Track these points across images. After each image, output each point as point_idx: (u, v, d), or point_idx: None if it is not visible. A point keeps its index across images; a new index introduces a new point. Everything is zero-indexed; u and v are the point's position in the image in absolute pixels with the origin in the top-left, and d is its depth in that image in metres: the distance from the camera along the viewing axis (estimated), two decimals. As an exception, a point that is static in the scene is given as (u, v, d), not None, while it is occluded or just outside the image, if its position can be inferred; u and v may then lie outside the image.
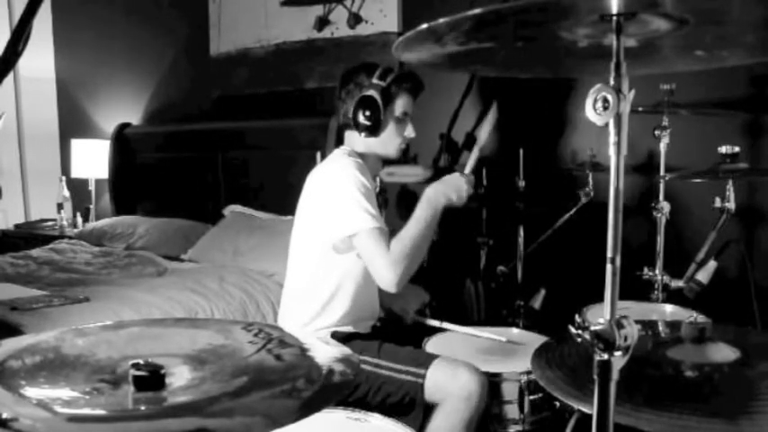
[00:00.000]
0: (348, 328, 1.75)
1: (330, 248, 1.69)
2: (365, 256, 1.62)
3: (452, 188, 1.66)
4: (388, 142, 1.78)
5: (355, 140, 1.80)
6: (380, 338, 1.74)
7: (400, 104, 1.77)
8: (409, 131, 1.80)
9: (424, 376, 1.54)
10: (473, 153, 1.78)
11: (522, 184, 2.36)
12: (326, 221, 1.67)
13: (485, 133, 1.78)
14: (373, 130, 1.74)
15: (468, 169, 1.74)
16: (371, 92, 1.72)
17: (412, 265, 1.58)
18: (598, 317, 0.73)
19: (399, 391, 1.56)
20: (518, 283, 2.37)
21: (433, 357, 1.59)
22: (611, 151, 0.71)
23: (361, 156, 1.77)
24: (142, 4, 4.05)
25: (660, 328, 1.24)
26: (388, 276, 1.56)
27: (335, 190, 1.66)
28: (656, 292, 2.01)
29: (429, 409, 1.55)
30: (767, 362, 1.06)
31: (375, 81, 1.73)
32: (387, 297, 1.88)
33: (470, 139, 2.00)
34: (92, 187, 4.18)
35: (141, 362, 0.78)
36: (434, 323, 1.93)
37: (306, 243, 1.77)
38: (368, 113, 1.72)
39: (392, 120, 1.76)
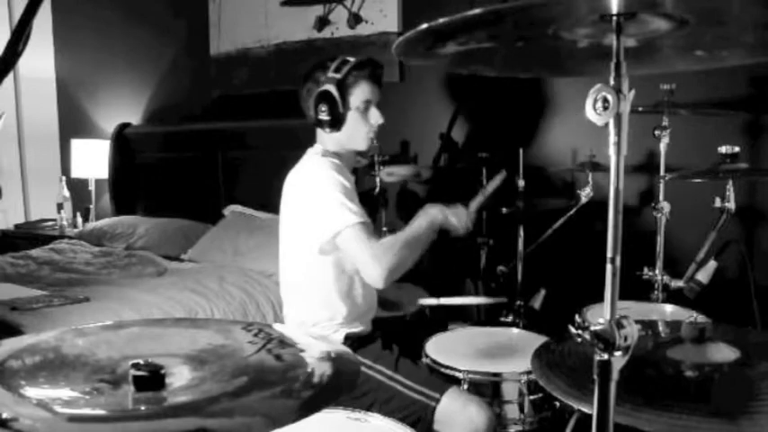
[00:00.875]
0: (355, 326, 1.75)
1: (316, 252, 1.67)
2: (350, 252, 1.60)
3: (453, 213, 1.69)
4: (354, 134, 1.75)
5: (324, 138, 1.78)
6: (387, 340, 1.74)
7: (359, 93, 1.73)
8: (375, 118, 1.75)
9: (437, 400, 1.53)
10: (478, 198, 1.81)
11: (522, 183, 2.36)
12: (310, 226, 1.66)
13: (491, 188, 1.81)
14: (334, 124, 1.72)
15: (472, 207, 1.76)
16: (327, 86, 1.71)
17: (400, 264, 1.57)
18: (598, 317, 0.73)
19: (408, 408, 1.54)
20: (518, 283, 2.37)
21: (448, 385, 1.58)
22: (611, 151, 0.71)
23: (336, 153, 1.75)
24: (142, 4, 4.05)
25: (660, 328, 1.24)
26: (373, 269, 1.55)
27: (314, 193, 1.65)
28: (656, 292, 2.01)
29: None
30: (767, 362, 1.06)
31: (330, 75, 1.71)
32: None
33: (470, 140, 2.00)
34: (92, 187, 4.18)
35: (141, 362, 0.78)
36: (431, 301, 1.93)
37: (294, 246, 1.75)
38: (325, 108, 1.70)
39: (354, 110, 1.73)
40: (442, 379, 1.66)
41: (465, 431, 1.50)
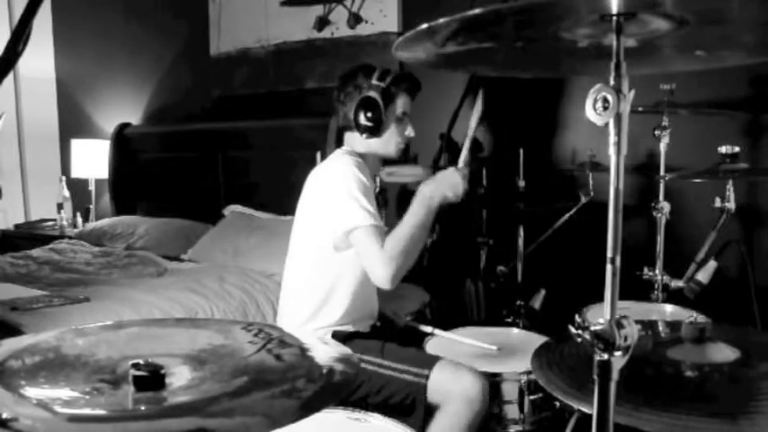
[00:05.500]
0: (348, 327, 1.76)
1: (329, 246, 1.70)
2: (361, 253, 1.63)
3: (447, 184, 1.67)
4: (388, 142, 1.80)
5: (356, 141, 1.81)
6: (381, 338, 1.74)
7: (400, 104, 1.79)
8: (409, 131, 1.82)
9: (427, 377, 1.54)
10: (465, 145, 1.78)
11: (522, 184, 2.36)
12: (325, 219, 1.68)
13: (474, 122, 1.78)
14: (375, 130, 1.76)
15: (461, 162, 1.74)
16: (372, 93, 1.74)
17: (406, 262, 1.59)
18: (598, 317, 0.73)
19: (402, 391, 1.56)
20: (518, 283, 2.37)
21: (436, 359, 1.60)
22: (611, 151, 0.71)
23: (362, 156, 1.78)
24: (142, 4, 4.05)
25: (660, 328, 1.24)
26: (382, 273, 1.57)
27: (334, 188, 1.67)
28: (656, 292, 2.01)
29: (429, 411, 1.55)
30: (767, 362, 1.06)
31: (374, 82, 1.75)
32: (380, 299, 1.89)
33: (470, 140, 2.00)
34: (92, 187, 4.18)
35: (141, 362, 0.78)
36: (426, 329, 1.92)
37: (305, 241, 1.78)
38: (369, 114, 1.74)
39: (393, 120, 1.78)
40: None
41: (461, 401, 1.50)
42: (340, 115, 1.81)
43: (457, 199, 1.68)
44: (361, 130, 1.76)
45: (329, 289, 1.73)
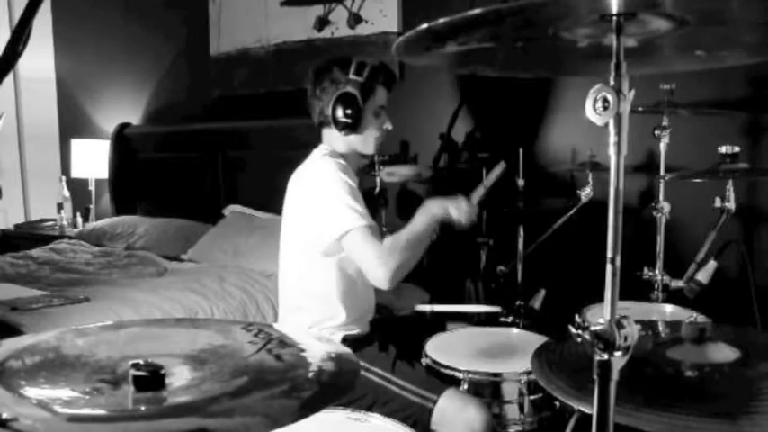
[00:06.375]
0: (352, 328, 1.74)
1: (321, 253, 1.67)
2: (356, 255, 1.60)
3: (454, 205, 1.66)
4: (367, 138, 1.76)
5: (334, 139, 1.77)
6: (384, 341, 1.73)
7: (377, 98, 1.74)
8: (387, 124, 1.77)
9: (434, 402, 1.52)
10: (479, 189, 1.76)
11: (521, 184, 2.35)
12: (315, 226, 1.65)
13: (490, 180, 1.77)
14: (354, 127, 1.71)
15: (474, 200, 1.72)
16: (349, 88, 1.69)
17: (404, 263, 1.57)
18: (598, 317, 0.73)
19: (406, 410, 1.54)
20: (518, 283, 2.37)
21: (445, 386, 1.58)
22: (611, 151, 0.71)
23: (342, 155, 1.75)
24: (142, 3, 4.06)
25: (660, 328, 1.24)
26: (379, 272, 1.55)
27: (320, 193, 1.64)
28: (656, 292, 2.01)
29: None
30: (767, 362, 1.06)
31: (352, 77, 1.70)
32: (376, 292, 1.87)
33: (470, 140, 2.00)
34: (92, 187, 4.18)
35: (141, 362, 0.78)
36: (425, 308, 1.91)
37: (296, 249, 1.74)
38: (348, 111, 1.69)
39: (371, 115, 1.74)
40: (442, 379, 1.66)
41: None
42: (316, 111, 1.76)
43: (459, 220, 1.66)
44: (340, 126, 1.71)
45: (328, 292, 1.70)
